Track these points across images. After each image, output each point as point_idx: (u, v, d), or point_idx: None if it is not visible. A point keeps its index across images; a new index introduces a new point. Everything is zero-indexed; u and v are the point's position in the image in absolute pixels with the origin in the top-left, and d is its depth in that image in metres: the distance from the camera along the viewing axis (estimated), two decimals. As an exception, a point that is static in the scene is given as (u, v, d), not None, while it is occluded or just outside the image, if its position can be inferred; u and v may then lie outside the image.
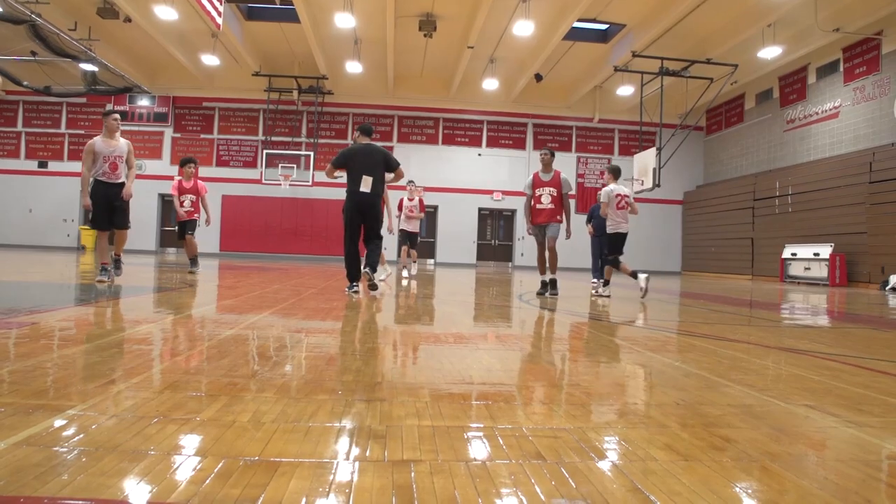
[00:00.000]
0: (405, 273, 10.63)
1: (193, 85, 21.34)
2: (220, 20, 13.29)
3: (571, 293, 8.33)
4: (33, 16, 13.93)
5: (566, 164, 21.71)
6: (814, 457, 1.54)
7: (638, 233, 21.86)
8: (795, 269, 16.45)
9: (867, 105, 15.11)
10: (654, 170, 16.43)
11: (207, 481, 1.18)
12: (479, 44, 16.98)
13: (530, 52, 17.92)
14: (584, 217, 10.95)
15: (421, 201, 10.83)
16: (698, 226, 22.07)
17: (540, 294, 7.31)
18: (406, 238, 10.80)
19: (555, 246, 7.37)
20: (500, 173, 22.50)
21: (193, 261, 9.13)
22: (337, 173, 6.46)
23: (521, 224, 21.66)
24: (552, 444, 1.52)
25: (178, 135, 22.06)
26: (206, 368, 2.29)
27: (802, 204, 16.69)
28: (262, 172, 21.11)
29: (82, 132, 21.27)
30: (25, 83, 18.31)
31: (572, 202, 7.93)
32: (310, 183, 20.70)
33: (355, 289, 6.29)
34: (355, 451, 1.41)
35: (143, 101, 21.78)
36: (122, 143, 6.48)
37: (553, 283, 7.37)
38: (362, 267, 6.39)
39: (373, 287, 6.22)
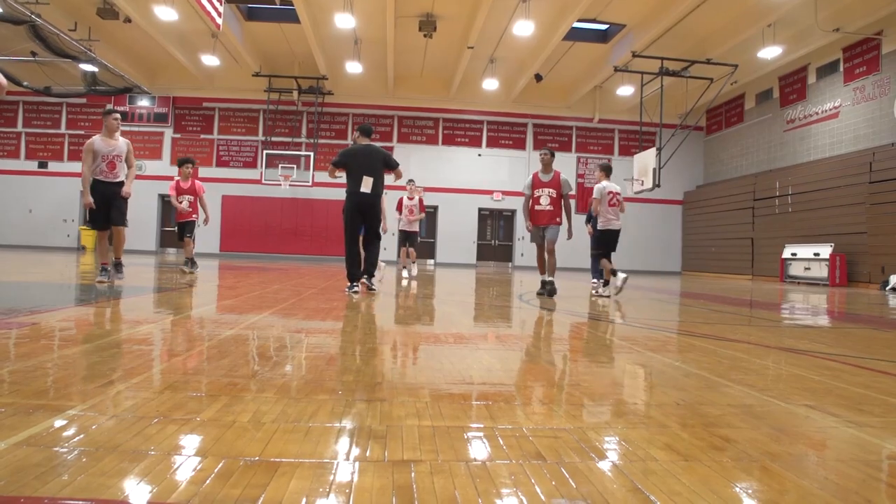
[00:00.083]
0: (405, 273, 10.60)
1: (193, 85, 21.35)
2: (220, 20, 13.29)
3: (571, 293, 8.33)
4: (33, 16, 13.94)
5: (566, 165, 21.72)
6: (814, 457, 1.54)
7: (638, 233, 22.00)
8: (795, 269, 16.44)
9: (867, 105, 15.11)
10: (654, 170, 16.42)
11: (208, 481, 1.18)
12: (479, 44, 16.98)
13: (530, 52, 17.92)
14: (583, 217, 10.96)
15: (421, 201, 10.79)
16: (698, 226, 22.07)
17: (540, 294, 7.27)
18: (405, 238, 10.78)
19: (554, 249, 7.29)
20: (500, 173, 22.50)
21: (190, 262, 9.12)
22: (338, 173, 6.51)
23: (521, 224, 21.66)
24: (552, 444, 1.52)
25: (178, 135, 22.05)
26: (207, 368, 2.29)
27: (802, 204, 16.69)
28: (262, 173, 21.10)
29: (82, 132, 21.27)
30: (25, 83, 18.32)
31: (572, 202, 7.84)
32: (310, 183, 20.69)
33: (355, 289, 6.36)
34: (355, 451, 1.41)
35: (143, 102, 21.78)
36: (122, 143, 6.45)
37: (544, 284, 7.26)
38: (362, 272, 6.55)
39: (371, 288, 6.45)
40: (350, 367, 2.48)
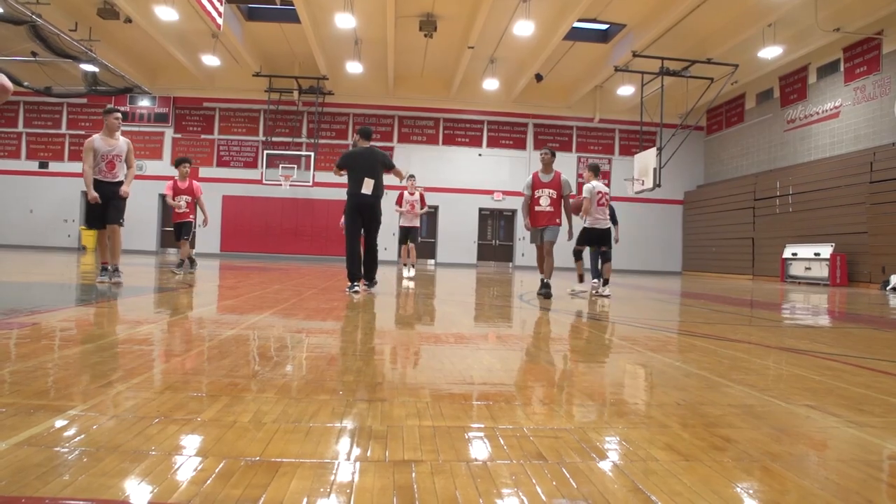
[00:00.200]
0: (405, 273, 10.55)
1: (194, 85, 21.35)
2: (220, 20, 13.29)
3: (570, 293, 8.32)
4: (34, 16, 13.95)
5: (567, 165, 21.70)
6: (815, 457, 1.54)
7: (638, 233, 22.01)
8: (796, 269, 16.44)
9: (868, 105, 15.11)
10: (655, 170, 16.42)
11: (208, 482, 1.18)
12: (480, 44, 16.98)
13: (531, 52, 17.92)
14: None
15: (422, 196, 10.72)
16: (699, 226, 22.06)
17: (541, 294, 7.23)
18: (406, 234, 10.73)
19: (552, 250, 7.18)
20: (501, 173, 22.50)
21: (184, 263, 9.05)
22: (342, 172, 6.67)
23: (521, 224, 21.67)
24: (553, 444, 1.52)
25: (178, 135, 22.06)
26: (207, 369, 2.29)
27: (803, 204, 16.68)
28: (262, 173, 21.11)
29: (83, 133, 21.26)
30: (26, 84, 18.32)
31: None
32: (310, 183, 20.70)
33: (356, 289, 6.41)
34: (356, 451, 1.42)
35: (144, 102, 21.79)
36: (122, 143, 6.38)
37: (548, 286, 7.07)
38: (362, 279, 6.66)
39: (369, 286, 6.59)
40: (351, 367, 2.48)
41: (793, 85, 17.93)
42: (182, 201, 8.95)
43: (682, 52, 16.31)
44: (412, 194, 10.59)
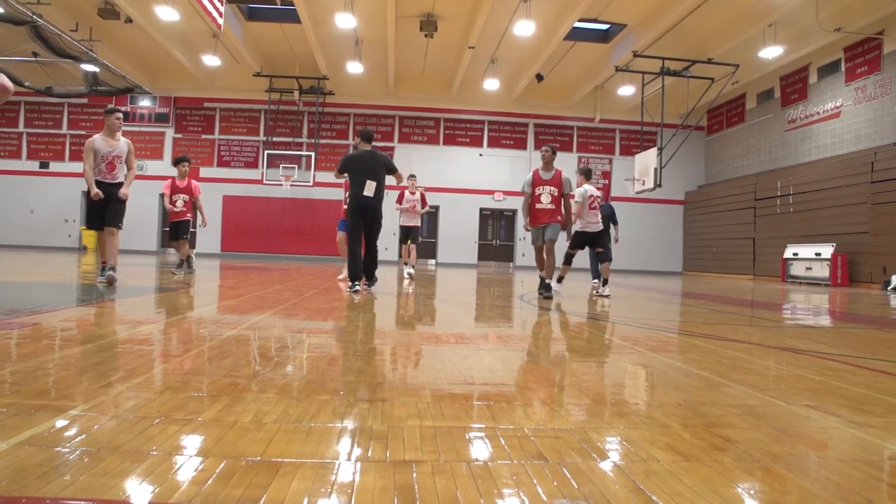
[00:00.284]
0: (406, 272, 10.52)
1: (194, 85, 21.36)
2: (220, 21, 13.30)
3: (572, 293, 8.32)
4: (34, 17, 13.96)
5: (567, 165, 21.64)
6: (816, 457, 1.54)
7: (639, 233, 22.01)
8: (797, 269, 16.43)
9: (869, 105, 15.10)
10: (656, 170, 16.41)
11: (209, 482, 1.18)
12: (480, 44, 16.98)
13: (531, 52, 17.92)
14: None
15: (423, 195, 10.68)
16: (700, 226, 22.06)
17: (541, 293, 7.10)
18: (406, 233, 10.68)
19: (553, 248, 7.07)
20: (502, 173, 22.50)
21: (184, 263, 9.01)
22: (343, 176, 6.80)
23: (522, 224, 21.68)
24: (554, 444, 1.52)
25: (179, 135, 22.08)
26: (208, 369, 2.29)
27: (804, 204, 16.67)
28: (263, 173, 21.13)
29: (84, 133, 21.28)
30: (27, 84, 18.34)
31: (573, 202, 7.73)
32: (311, 183, 20.70)
33: (356, 288, 6.44)
34: (357, 451, 1.42)
35: (145, 102, 21.80)
36: (123, 143, 6.29)
37: (547, 286, 7.06)
38: (363, 282, 6.71)
39: (369, 286, 6.65)
40: (351, 367, 2.48)
41: (793, 85, 17.92)
42: (179, 200, 8.89)
43: (682, 52, 16.31)
44: (413, 194, 10.55)
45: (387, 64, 18.96)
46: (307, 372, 2.37)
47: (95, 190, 6.05)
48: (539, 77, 18.51)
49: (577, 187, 7.88)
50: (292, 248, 21.75)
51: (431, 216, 22.10)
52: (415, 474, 1.27)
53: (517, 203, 21.91)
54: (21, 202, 21.51)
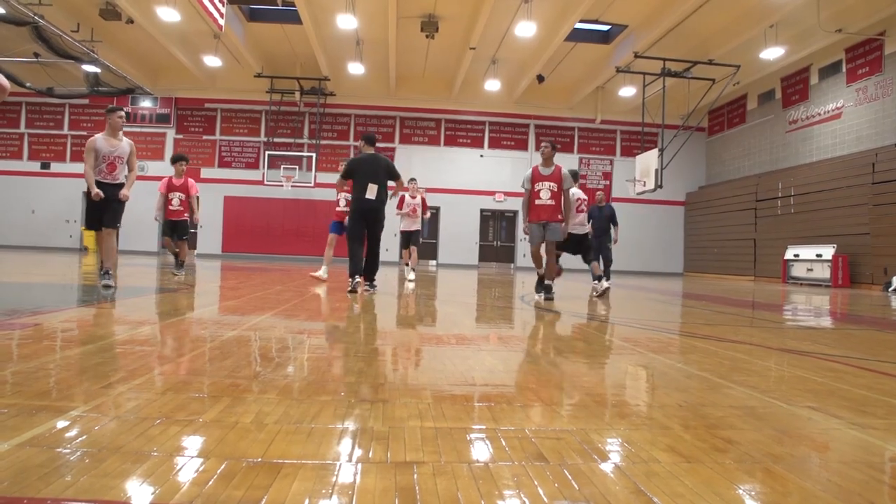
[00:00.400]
0: (407, 275, 10.41)
1: (195, 86, 21.38)
2: (221, 21, 13.31)
3: (572, 294, 8.32)
4: (36, 17, 13.97)
5: (568, 165, 21.61)
6: (817, 459, 1.53)
7: (640, 234, 22.01)
8: (798, 271, 16.41)
9: (870, 106, 15.09)
10: (657, 171, 16.41)
11: (210, 483, 1.18)
12: (481, 45, 16.98)
13: (532, 53, 17.92)
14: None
15: (423, 200, 10.63)
16: (700, 227, 22.04)
17: (539, 292, 7.00)
18: (407, 238, 10.60)
19: (554, 250, 7.01)
20: (503, 174, 22.49)
21: (183, 263, 8.95)
22: (346, 186, 6.91)
23: (522, 227, 21.65)
24: (555, 445, 1.52)
25: (180, 136, 22.10)
26: (209, 370, 2.30)
27: (805, 205, 16.66)
28: (264, 173, 21.14)
29: (85, 133, 21.30)
30: (28, 84, 18.36)
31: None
32: (312, 184, 20.71)
33: (357, 280, 6.60)
34: (358, 452, 1.42)
35: (146, 103, 21.82)
36: (125, 144, 6.16)
37: (548, 287, 6.99)
38: (363, 284, 6.81)
39: (368, 288, 6.72)
40: (352, 368, 2.48)
41: (795, 86, 17.91)
42: (175, 199, 8.80)
43: (683, 52, 16.31)
44: (413, 197, 10.48)
45: (388, 64, 18.97)
46: (308, 373, 2.37)
47: (96, 190, 5.91)
48: (540, 78, 18.51)
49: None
50: (293, 249, 21.75)
51: (432, 217, 22.08)
52: (416, 475, 1.27)
53: (518, 204, 21.88)
54: (22, 203, 21.53)
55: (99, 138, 6.06)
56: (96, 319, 3.74)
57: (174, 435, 1.47)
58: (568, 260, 10.00)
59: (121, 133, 6.17)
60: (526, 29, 14.97)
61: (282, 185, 20.74)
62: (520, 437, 1.58)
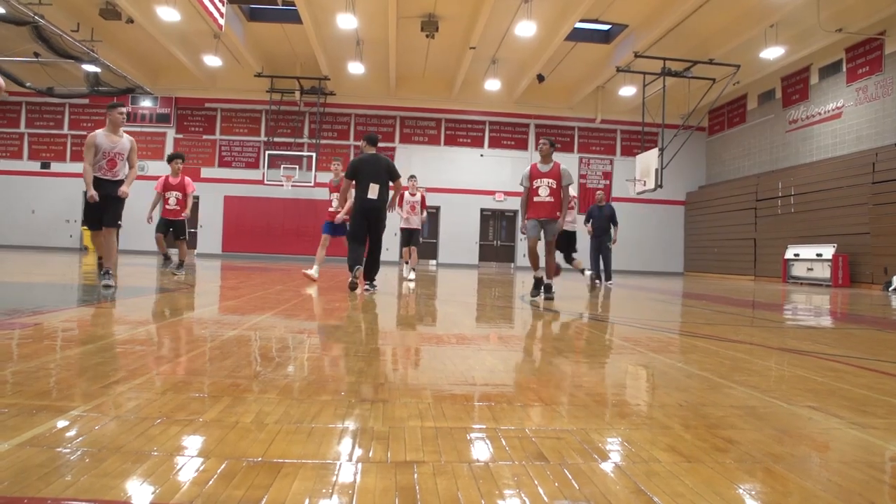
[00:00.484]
0: (406, 275, 10.39)
1: (196, 86, 21.38)
2: (222, 21, 13.31)
3: (572, 294, 8.32)
4: (36, 17, 13.97)
5: (568, 165, 21.60)
6: (817, 458, 1.53)
7: (640, 233, 22.02)
8: (798, 270, 16.41)
9: (870, 105, 15.08)
10: (657, 170, 16.40)
11: (210, 482, 1.18)
12: (481, 44, 16.98)
13: (532, 52, 17.92)
14: (581, 217, 11.03)
15: (423, 197, 10.60)
16: (701, 226, 22.04)
17: (535, 296, 6.81)
18: (406, 236, 10.57)
19: (553, 249, 6.92)
20: (503, 174, 22.49)
21: (166, 259, 8.94)
22: (351, 188, 6.94)
23: (520, 226, 21.62)
24: (555, 445, 1.52)
25: (180, 136, 22.10)
26: (209, 369, 2.30)
27: (805, 205, 16.65)
28: (264, 173, 21.13)
29: (85, 133, 21.25)
30: (28, 84, 18.36)
31: (572, 192, 7.66)
32: (312, 184, 20.71)
33: (358, 270, 6.71)
34: (358, 452, 1.42)
35: (146, 102, 21.82)
36: (125, 140, 6.06)
37: (548, 287, 6.95)
38: (364, 284, 6.88)
39: (367, 289, 6.77)
40: (353, 367, 2.48)
41: (795, 85, 17.91)
42: (172, 198, 8.80)
43: (683, 52, 16.30)
44: (413, 195, 10.47)
45: (388, 64, 18.96)
46: (308, 373, 2.37)
47: (92, 192, 5.79)
48: (540, 77, 18.50)
49: None
50: (293, 249, 21.73)
51: (432, 217, 22.09)
52: (416, 475, 1.27)
53: (518, 204, 21.89)
54: (22, 202, 21.53)
55: (99, 134, 5.98)
56: (96, 319, 3.74)
57: (174, 435, 1.47)
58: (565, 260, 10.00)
59: (121, 129, 6.10)
60: (526, 28, 14.97)
61: (282, 185, 20.73)
62: (520, 436, 1.58)
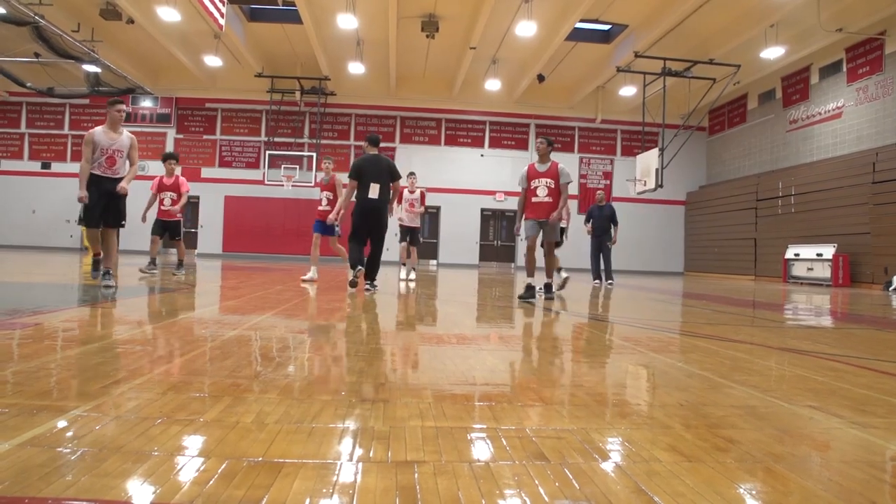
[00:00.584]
0: (402, 274, 10.20)
1: (196, 86, 21.38)
2: (222, 21, 13.31)
3: (572, 294, 8.32)
4: (36, 17, 13.98)
5: (569, 165, 21.55)
6: (818, 458, 1.53)
7: (640, 233, 22.02)
8: (798, 270, 16.41)
9: (870, 105, 15.07)
10: (657, 170, 16.40)
11: (211, 482, 1.18)
12: (482, 44, 16.98)
13: (532, 52, 17.92)
14: (582, 217, 11.04)
15: (422, 194, 10.53)
16: (701, 226, 22.04)
17: (523, 298, 6.45)
18: (406, 234, 10.51)
19: (553, 250, 6.91)
20: (503, 174, 22.48)
21: (179, 263, 8.93)
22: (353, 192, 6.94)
23: (516, 227, 21.61)
24: (556, 444, 1.52)
25: (180, 136, 22.10)
26: (210, 369, 2.30)
27: (805, 204, 16.65)
28: (264, 173, 21.12)
29: (85, 133, 21.31)
30: (29, 84, 18.38)
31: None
32: (312, 184, 20.68)
33: (360, 269, 6.74)
34: (359, 451, 1.42)
35: (146, 103, 21.82)
36: (125, 137, 5.98)
37: (548, 286, 6.95)
38: (364, 284, 6.90)
39: (368, 289, 6.77)
40: (353, 367, 2.48)
41: (795, 85, 17.90)
42: (167, 198, 8.74)
43: (684, 52, 16.30)
44: (412, 193, 10.43)
45: (388, 64, 18.96)
46: (309, 372, 2.37)
47: (83, 193, 5.70)
48: (540, 77, 18.50)
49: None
50: (294, 249, 21.72)
51: (433, 217, 22.10)
52: (416, 475, 1.27)
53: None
54: (23, 202, 21.54)
55: (98, 131, 5.90)
56: (97, 319, 3.74)
57: (175, 434, 1.47)
58: (565, 260, 10.01)
59: (121, 126, 6.02)
60: (526, 28, 14.96)
61: (282, 185, 20.73)
62: (520, 436, 1.58)
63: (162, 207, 8.69)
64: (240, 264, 15.10)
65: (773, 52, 15.91)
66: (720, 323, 5.05)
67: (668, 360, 2.95)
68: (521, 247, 22.44)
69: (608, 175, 22.83)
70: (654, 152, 16.63)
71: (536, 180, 6.70)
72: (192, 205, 21.76)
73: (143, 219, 8.71)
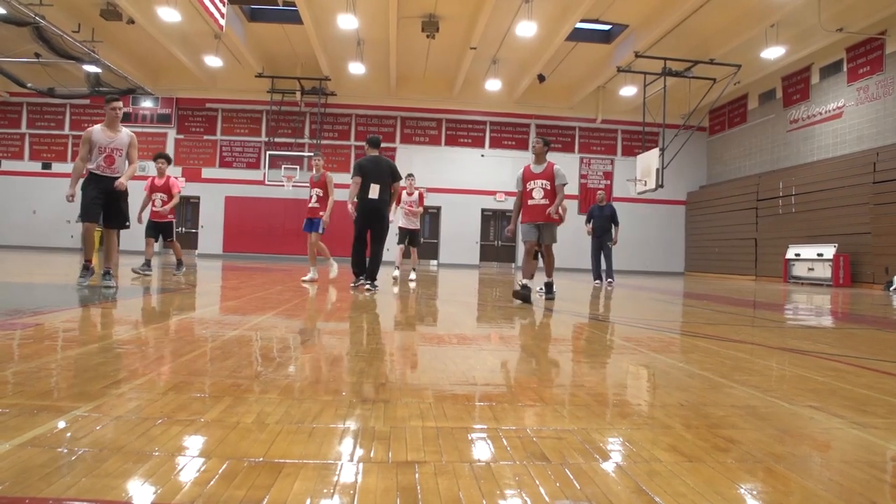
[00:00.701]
0: (395, 273, 9.93)
1: (196, 86, 21.39)
2: (222, 21, 13.32)
3: (572, 294, 8.32)
4: (37, 18, 13.99)
5: (569, 165, 21.70)
6: (818, 458, 1.53)
7: (641, 233, 22.02)
8: (799, 270, 16.40)
9: (871, 105, 15.07)
10: (658, 170, 16.40)
11: (212, 482, 1.18)
12: (482, 45, 16.99)
13: (533, 52, 17.91)
14: (583, 217, 11.02)
15: (421, 195, 10.49)
16: (701, 226, 22.03)
17: (518, 299, 6.21)
18: (405, 235, 10.45)
19: (552, 250, 6.85)
20: (503, 174, 22.44)
21: (179, 263, 8.90)
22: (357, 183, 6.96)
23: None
24: (556, 445, 1.52)
25: (181, 136, 22.12)
26: (210, 370, 2.30)
27: (806, 204, 16.64)
28: (265, 173, 21.15)
29: (86, 133, 21.34)
30: (29, 85, 18.39)
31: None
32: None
33: (360, 281, 6.83)
34: (359, 452, 1.42)
35: (147, 103, 21.84)
36: (124, 136, 5.92)
37: (549, 286, 6.95)
38: (364, 279, 6.97)
39: (369, 289, 6.80)
40: (354, 367, 2.48)
41: (795, 85, 17.90)
42: (158, 199, 8.65)
43: (684, 52, 16.30)
44: (410, 194, 10.39)
45: (388, 64, 18.97)
46: (309, 373, 2.37)
47: (71, 190, 5.66)
48: (541, 78, 18.50)
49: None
50: (294, 249, 21.70)
51: (433, 217, 22.11)
52: (417, 475, 1.27)
53: (519, 204, 21.84)
54: (23, 203, 21.55)
55: (96, 129, 5.85)
56: (97, 319, 3.74)
57: (175, 435, 1.47)
58: (565, 260, 10.00)
59: (119, 124, 5.96)
60: (526, 29, 14.96)
61: (283, 185, 20.75)
62: (521, 436, 1.58)
63: (153, 209, 8.60)
64: (240, 265, 15.10)
65: (773, 52, 15.91)
66: (721, 323, 5.05)
67: (669, 360, 2.95)
68: (521, 246, 22.48)
69: (609, 175, 22.83)
70: (655, 152, 16.62)
71: (532, 182, 6.55)
72: (193, 205, 21.80)
73: (139, 220, 8.67)
